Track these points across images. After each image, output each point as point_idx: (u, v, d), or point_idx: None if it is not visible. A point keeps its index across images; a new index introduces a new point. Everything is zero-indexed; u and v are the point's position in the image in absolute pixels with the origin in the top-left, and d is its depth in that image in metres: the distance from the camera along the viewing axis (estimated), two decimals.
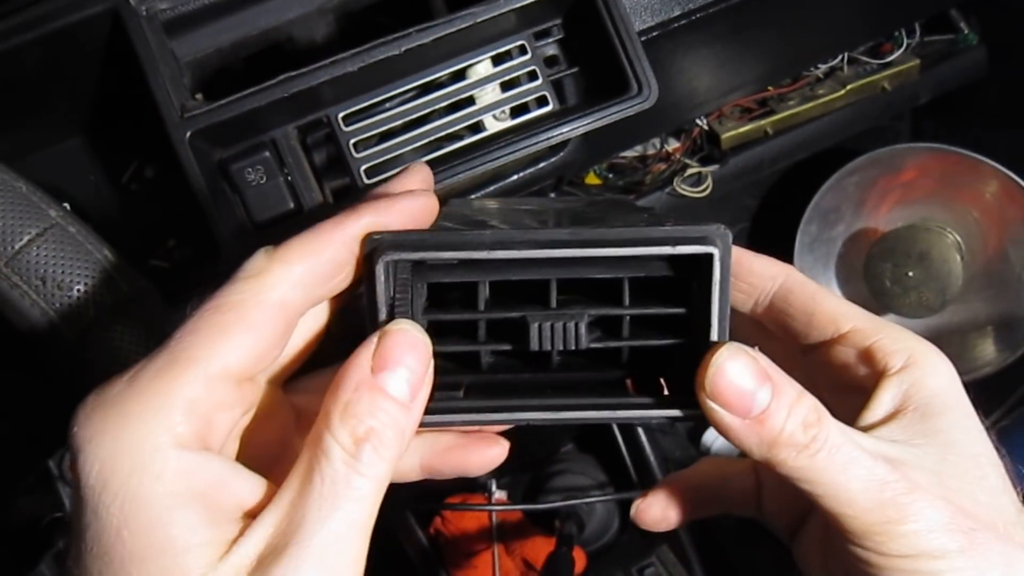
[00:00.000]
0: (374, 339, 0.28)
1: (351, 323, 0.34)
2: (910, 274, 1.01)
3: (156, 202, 0.63)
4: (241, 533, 0.26)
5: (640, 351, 0.32)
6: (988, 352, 1.03)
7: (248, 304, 0.28)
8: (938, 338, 1.03)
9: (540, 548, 0.85)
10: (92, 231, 0.40)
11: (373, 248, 0.29)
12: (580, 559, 0.83)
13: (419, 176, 0.35)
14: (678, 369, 0.31)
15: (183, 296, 0.48)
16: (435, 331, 0.30)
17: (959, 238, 1.04)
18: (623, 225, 0.30)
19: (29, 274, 0.36)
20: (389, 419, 0.27)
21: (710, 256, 0.29)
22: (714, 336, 0.30)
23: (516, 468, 0.90)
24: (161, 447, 0.26)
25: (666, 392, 0.32)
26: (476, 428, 0.37)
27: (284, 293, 0.29)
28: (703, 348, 0.30)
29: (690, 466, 0.43)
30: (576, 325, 0.31)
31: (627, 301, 0.31)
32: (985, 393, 0.98)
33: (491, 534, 0.85)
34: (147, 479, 0.26)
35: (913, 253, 1.01)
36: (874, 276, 1.03)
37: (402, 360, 0.28)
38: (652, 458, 0.84)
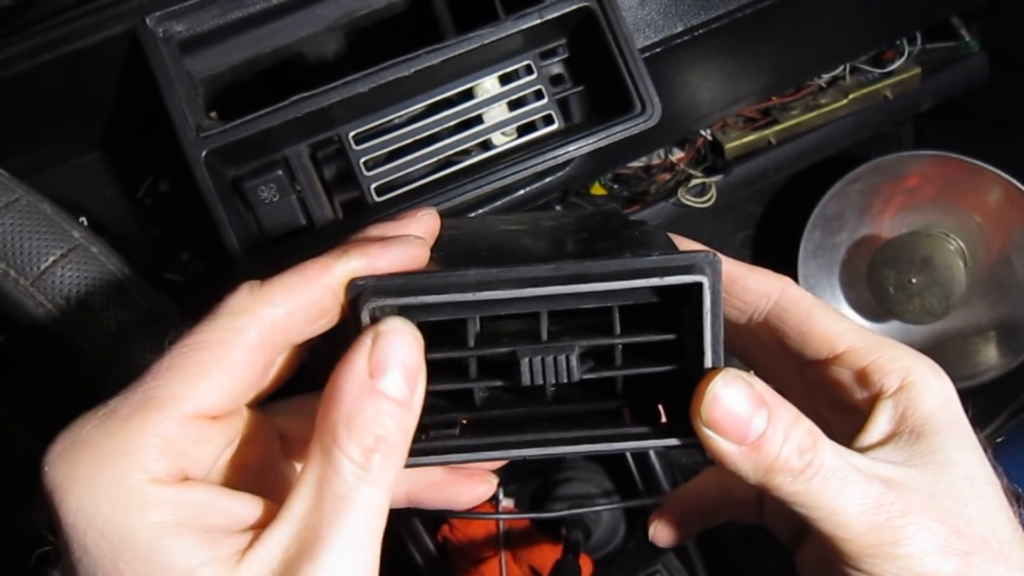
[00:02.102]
0: (367, 342, 0.28)
1: (329, 350, 0.35)
2: (913, 280, 1.02)
3: (170, 216, 0.64)
4: (248, 549, 0.26)
5: (636, 379, 0.32)
6: (991, 357, 1.04)
7: (227, 343, 0.28)
8: (941, 343, 1.05)
9: (547, 555, 0.86)
10: (113, 251, 0.41)
11: (357, 294, 0.29)
12: (586, 566, 0.83)
13: (424, 225, 0.34)
14: (675, 396, 0.31)
15: (197, 310, 0.50)
16: (427, 370, 0.29)
17: (962, 244, 1.04)
18: (612, 254, 0.30)
19: (54, 293, 0.37)
20: (394, 423, 0.27)
21: (699, 285, 0.29)
22: (708, 363, 0.30)
23: (523, 476, 0.91)
24: (137, 485, 0.26)
25: (663, 419, 0.32)
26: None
27: (264, 334, 0.29)
28: (698, 375, 0.29)
29: (693, 479, 0.43)
30: (567, 358, 0.30)
31: (618, 330, 0.31)
32: (988, 398, 0.99)
33: (498, 541, 0.86)
34: (129, 515, 0.26)
35: (916, 259, 1.02)
36: (878, 282, 1.04)
37: (398, 359, 0.27)
38: (657, 466, 0.85)
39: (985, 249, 1.05)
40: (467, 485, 0.37)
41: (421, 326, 0.31)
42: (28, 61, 0.52)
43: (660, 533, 0.43)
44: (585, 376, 0.31)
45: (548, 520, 0.87)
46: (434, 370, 0.30)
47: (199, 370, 0.28)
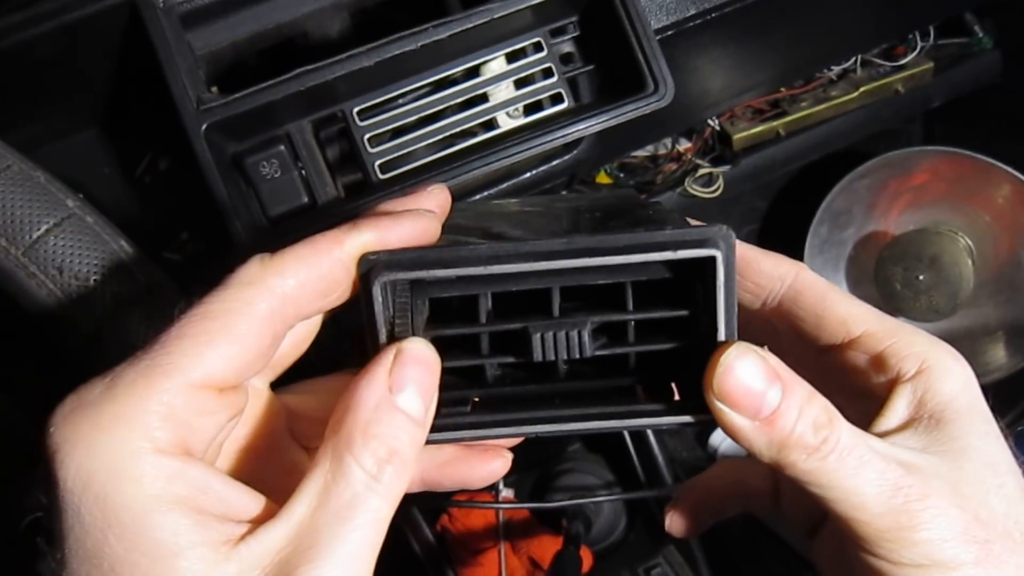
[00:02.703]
0: (389, 357, 0.28)
1: (343, 330, 0.34)
2: (921, 278, 1.01)
3: (169, 195, 0.63)
4: (240, 541, 0.26)
5: (649, 356, 0.32)
6: (999, 357, 1.03)
7: (236, 313, 0.28)
8: (949, 342, 1.04)
9: (547, 547, 0.85)
10: (109, 222, 0.40)
11: (369, 268, 0.29)
12: (587, 558, 0.83)
13: (434, 199, 0.34)
14: (689, 373, 0.31)
15: (195, 289, 0.48)
16: (439, 346, 0.29)
17: (970, 242, 1.03)
18: (625, 229, 0.29)
19: (46, 263, 0.36)
20: (408, 438, 0.27)
21: (713, 259, 0.29)
22: (721, 337, 0.29)
23: (523, 466, 0.90)
24: (138, 452, 0.26)
25: (677, 397, 0.32)
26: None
27: (274, 305, 0.28)
28: (711, 350, 0.29)
29: (706, 470, 0.43)
30: (579, 333, 0.30)
31: (631, 306, 0.31)
32: (995, 398, 0.97)
33: (498, 532, 0.85)
34: (126, 483, 0.25)
35: (924, 257, 1.01)
36: (885, 279, 1.03)
37: (417, 379, 0.28)
38: (660, 458, 0.84)
39: (994, 248, 1.04)
40: (481, 460, 0.36)
41: (433, 302, 0.31)
42: (23, 32, 0.51)
43: (675, 524, 0.42)
44: (598, 352, 0.31)
45: (549, 511, 0.86)
46: (446, 347, 0.30)
47: (207, 339, 0.27)
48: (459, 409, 0.31)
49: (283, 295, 0.29)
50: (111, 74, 0.58)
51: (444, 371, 0.29)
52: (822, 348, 0.36)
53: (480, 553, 0.85)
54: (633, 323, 0.31)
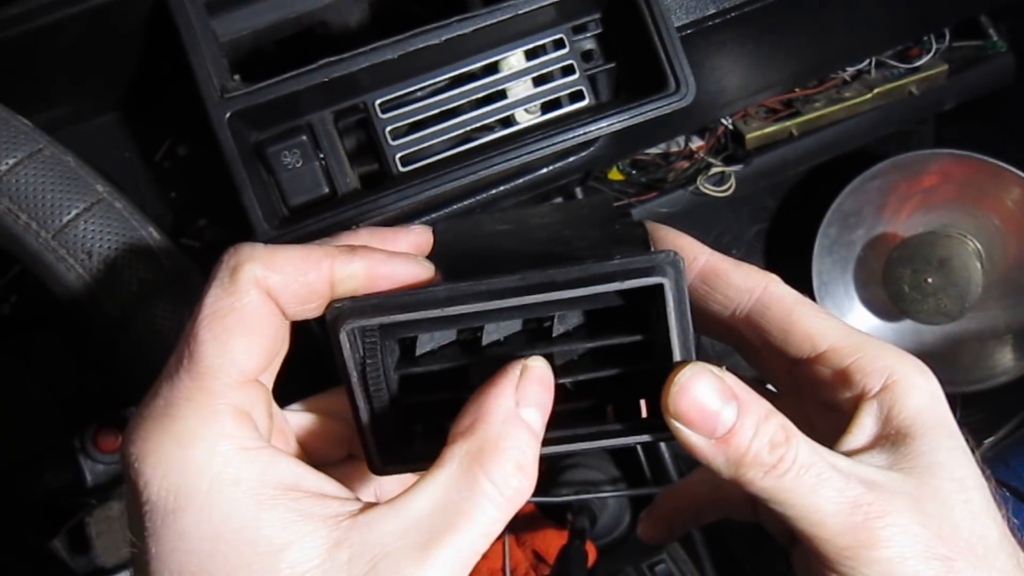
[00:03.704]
0: (516, 372, 0.29)
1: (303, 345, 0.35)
2: (929, 280, 1.01)
3: (188, 181, 0.63)
4: (352, 528, 0.26)
5: (612, 378, 0.33)
6: (1006, 360, 1.03)
7: (240, 308, 0.29)
8: (955, 345, 1.05)
9: (550, 540, 0.86)
10: (137, 208, 0.40)
11: (335, 316, 0.30)
12: (591, 553, 0.83)
13: (415, 238, 0.35)
14: (654, 392, 0.31)
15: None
16: (411, 380, 0.31)
17: (979, 245, 1.03)
18: (576, 261, 0.30)
19: (76, 247, 0.36)
20: (532, 453, 0.28)
21: (661, 286, 0.29)
22: (677, 357, 0.30)
23: None
24: (227, 455, 0.26)
25: (645, 415, 0.33)
26: None
27: (264, 295, 0.29)
28: (670, 369, 0.30)
29: (686, 476, 0.43)
30: None
31: (583, 336, 0.32)
32: (1002, 402, 0.98)
33: None
34: (226, 488, 0.26)
35: (933, 259, 1.01)
36: (893, 281, 1.03)
37: (538, 395, 0.29)
38: (667, 455, 0.84)
39: (1003, 252, 1.04)
40: None
41: (403, 341, 0.32)
42: (50, 14, 0.51)
43: (647, 530, 0.43)
44: (559, 381, 0.31)
45: (554, 505, 0.86)
46: (411, 381, 0.32)
47: (227, 337, 0.28)
48: (433, 437, 0.32)
49: (268, 286, 0.29)
50: (134, 59, 0.58)
51: (415, 404, 0.31)
52: (792, 360, 0.36)
53: None
54: (588, 352, 0.32)
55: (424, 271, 0.32)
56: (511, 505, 0.27)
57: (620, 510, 0.88)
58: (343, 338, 0.30)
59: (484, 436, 0.28)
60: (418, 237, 0.35)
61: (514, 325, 0.32)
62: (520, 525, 0.87)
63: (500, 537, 0.87)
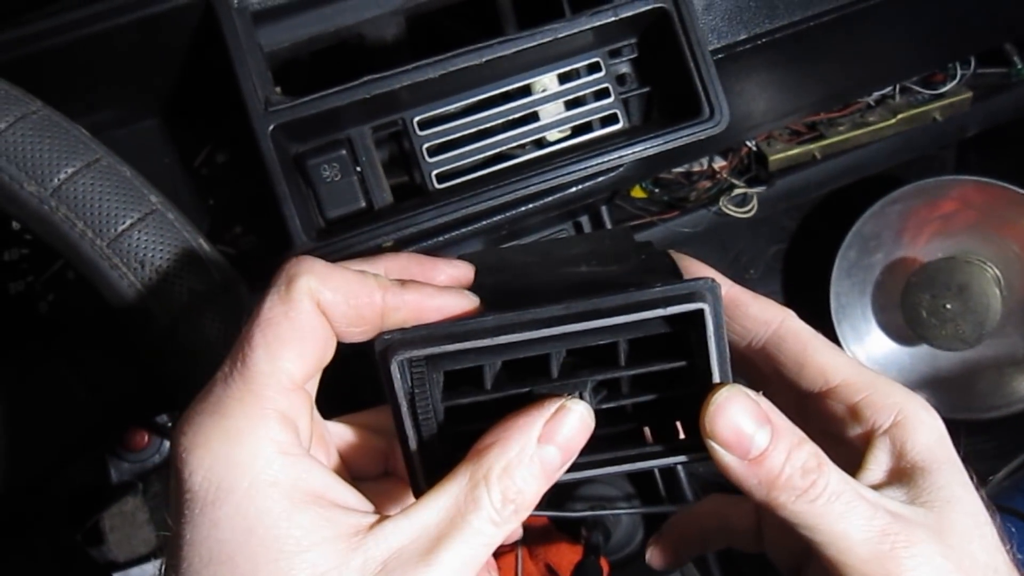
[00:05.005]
0: (550, 409, 0.30)
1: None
2: (948, 306, 1.01)
3: (225, 188, 0.64)
4: (368, 535, 0.28)
5: (655, 402, 0.33)
6: (1023, 388, 1.03)
7: (295, 315, 0.30)
8: (972, 372, 1.05)
9: (564, 554, 0.86)
10: (188, 219, 0.41)
11: (386, 347, 0.31)
12: (604, 568, 0.84)
13: (455, 272, 0.37)
14: (691, 414, 0.32)
15: (249, 284, 0.50)
16: (456, 411, 0.32)
17: (999, 272, 1.04)
18: (617, 289, 0.31)
19: (129, 256, 0.38)
20: (537, 488, 0.29)
21: (701, 311, 0.30)
22: (716, 379, 0.31)
23: None
24: (270, 457, 0.28)
25: (681, 436, 0.34)
26: None
27: (314, 302, 0.30)
28: (708, 391, 0.31)
29: (694, 505, 0.45)
30: (580, 394, 0.32)
31: (623, 362, 0.32)
32: (1019, 428, 0.98)
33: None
34: (265, 487, 0.27)
35: (952, 285, 1.01)
36: (911, 306, 1.03)
37: (566, 439, 0.30)
38: (681, 473, 0.85)
39: (1021, 279, 1.04)
40: None
41: (447, 373, 0.33)
42: (102, 23, 0.52)
43: (655, 557, 0.44)
44: (600, 407, 0.32)
45: (568, 520, 0.87)
46: (457, 411, 0.32)
47: (279, 344, 0.30)
48: None
49: (320, 302, 0.31)
50: (179, 68, 0.59)
51: (459, 433, 0.32)
52: (803, 393, 0.37)
53: (497, 557, 0.86)
54: (629, 378, 0.33)
55: (469, 303, 0.33)
56: (508, 526, 0.29)
57: (633, 526, 0.89)
58: (394, 369, 0.30)
59: (494, 460, 0.29)
60: (459, 271, 0.37)
61: (558, 356, 0.33)
62: (534, 538, 0.88)
63: (513, 550, 0.88)
